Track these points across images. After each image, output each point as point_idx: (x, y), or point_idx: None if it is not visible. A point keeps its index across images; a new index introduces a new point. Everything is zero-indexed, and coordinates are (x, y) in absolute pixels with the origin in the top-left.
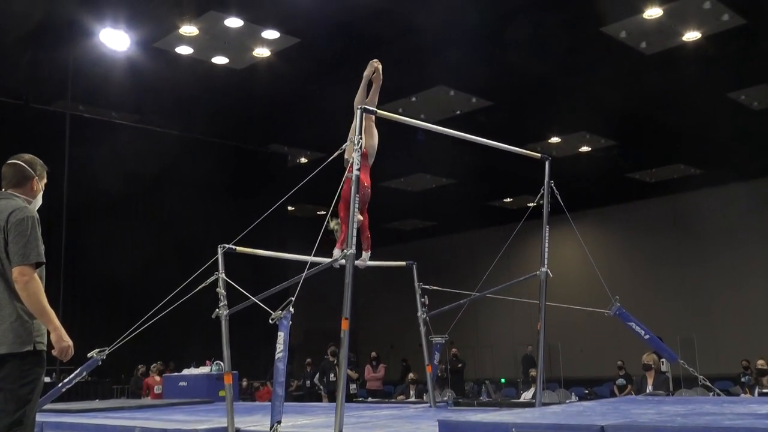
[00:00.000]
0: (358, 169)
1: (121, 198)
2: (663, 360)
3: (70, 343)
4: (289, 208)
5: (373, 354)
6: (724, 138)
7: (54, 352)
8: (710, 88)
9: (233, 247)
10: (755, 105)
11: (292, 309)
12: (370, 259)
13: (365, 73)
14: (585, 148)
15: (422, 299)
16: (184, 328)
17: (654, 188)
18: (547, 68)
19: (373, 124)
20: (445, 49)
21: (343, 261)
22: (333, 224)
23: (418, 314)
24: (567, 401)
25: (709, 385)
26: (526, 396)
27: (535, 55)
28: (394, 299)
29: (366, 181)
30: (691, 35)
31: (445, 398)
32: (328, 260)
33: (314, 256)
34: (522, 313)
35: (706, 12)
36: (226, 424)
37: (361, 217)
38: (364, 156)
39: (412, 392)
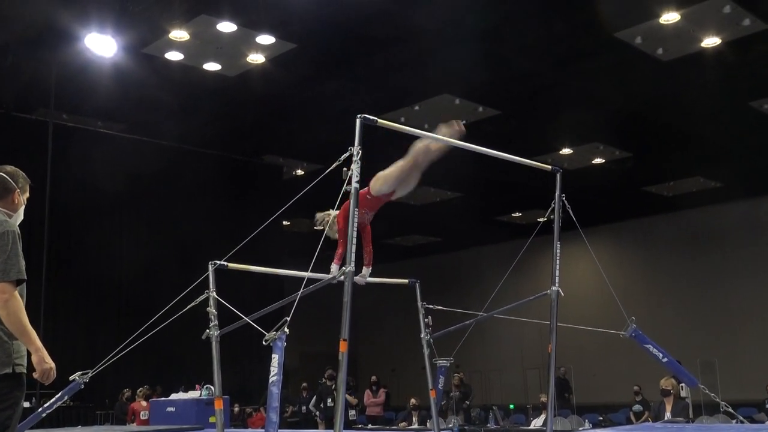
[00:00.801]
0: (357, 182)
1: (107, 211)
2: (682, 385)
3: (52, 365)
4: (285, 222)
5: (374, 378)
6: (746, 149)
7: (35, 375)
8: (731, 96)
9: (225, 263)
10: None
11: (287, 330)
12: (371, 275)
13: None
14: (598, 160)
15: (425, 319)
16: (172, 349)
17: (672, 202)
18: (558, 75)
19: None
20: (449, 55)
21: (342, 278)
22: (319, 218)
23: (421, 335)
24: (580, 429)
25: (732, 411)
26: (537, 423)
27: (545, 61)
28: (395, 320)
29: (372, 206)
30: (711, 41)
31: (450, 425)
32: (325, 276)
33: (311, 272)
34: (532, 334)
35: (725, 17)
36: None
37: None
38: (386, 195)
39: (414, 419)
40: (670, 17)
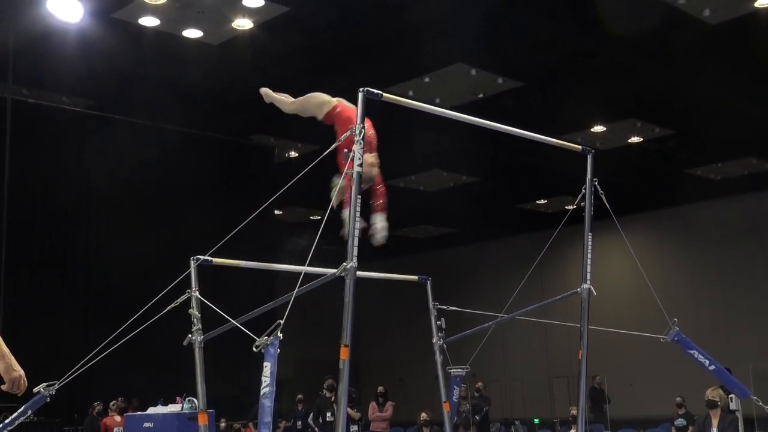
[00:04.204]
0: (360, 165)
1: (73, 198)
2: (731, 396)
3: (22, 372)
4: (277, 211)
5: (380, 389)
6: None
7: (4, 387)
8: None
9: (209, 258)
10: None
11: (280, 334)
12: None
13: None
14: (635, 139)
15: (438, 322)
16: (150, 356)
17: (720, 187)
18: (588, 42)
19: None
20: (464, 19)
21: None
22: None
23: (434, 341)
24: None
25: None
26: None
27: (573, 25)
28: (404, 322)
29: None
30: (765, 1)
31: None
32: (325, 271)
33: (308, 267)
34: (559, 338)
35: None
36: None
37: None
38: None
39: None
40: None
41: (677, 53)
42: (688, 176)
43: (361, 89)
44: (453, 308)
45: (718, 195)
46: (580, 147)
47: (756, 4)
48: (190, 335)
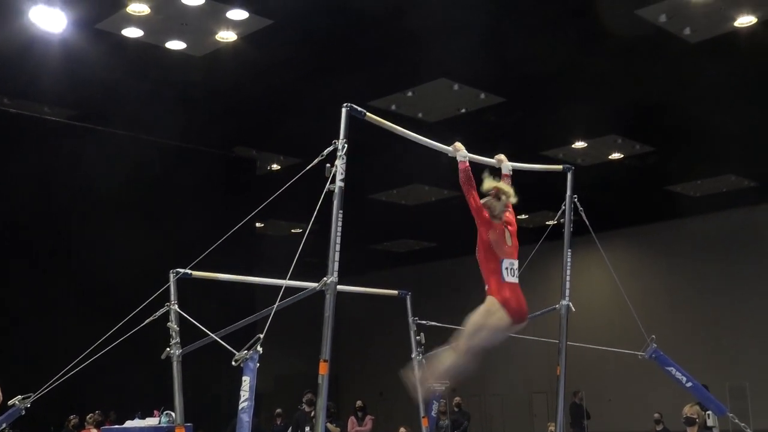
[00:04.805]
0: (342, 180)
1: (53, 209)
2: (709, 412)
3: None
4: (258, 224)
5: (359, 403)
6: None
7: None
8: (766, 83)
9: (189, 271)
10: None
11: (260, 348)
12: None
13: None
14: (616, 155)
15: (417, 337)
16: (127, 369)
17: (699, 203)
18: (571, 58)
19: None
20: (447, 34)
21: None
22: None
23: (413, 355)
24: None
25: None
26: None
27: (556, 41)
28: (384, 336)
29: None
30: (745, 20)
31: None
32: (305, 285)
33: (289, 281)
34: (539, 354)
35: None
36: None
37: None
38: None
39: None
40: None
41: (658, 71)
42: (668, 193)
43: (344, 105)
44: (432, 323)
45: (697, 211)
46: (560, 167)
47: (735, 24)
48: (168, 348)
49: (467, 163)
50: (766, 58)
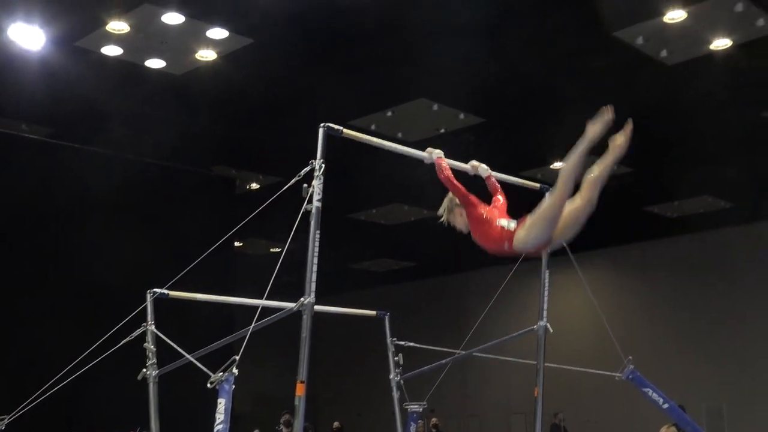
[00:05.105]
0: (319, 200)
1: (29, 229)
2: None
3: None
4: (237, 243)
5: (336, 424)
6: (759, 165)
7: None
8: (742, 106)
9: (166, 291)
10: None
11: (235, 370)
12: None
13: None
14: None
15: (396, 358)
16: (102, 390)
17: (676, 224)
18: (549, 80)
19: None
20: (427, 55)
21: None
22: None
23: (391, 377)
24: None
25: None
26: None
27: (534, 63)
28: (362, 356)
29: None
30: (720, 43)
31: None
32: (283, 305)
33: (267, 301)
34: (518, 374)
35: (737, 16)
36: None
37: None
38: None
39: None
40: (675, 15)
41: (635, 92)
42: (646, 214)
43: (321, 125)
44: (411, 344)
45: (674, 232)
46: (538, 185)
47: (711, 47)
48: (144, 369)
49: (444, 160)
50: (740, 80)
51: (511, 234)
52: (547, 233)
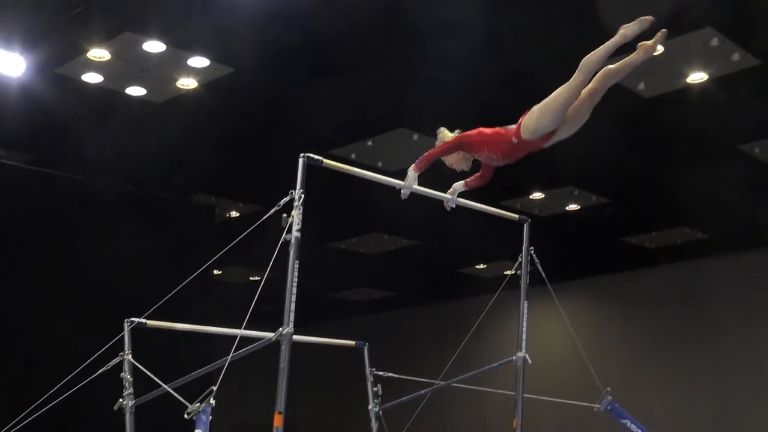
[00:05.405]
0: (298, 230)
1: (6, 254)
2: None
3: None
4: (216, 271)
5: None
6: (735, 197)
7: None
8: (719, 138)
9: (144, 321)
10: None
11: (213, 401)
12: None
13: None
14: (573, 206)
15: (374, 388)
16: (79, 421)
17: (655, 255)
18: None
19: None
20: (406, 85)
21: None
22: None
23: (369, 407)
24: None
25: None
26: None
27: (512, 94)
28: (341, 386)
29: (512, 152)
30: (697, 76)
31: None
32: (262, 335)
33: (245, 330)
34: (497, 404)
35: (713, 50)
36: None
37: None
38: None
39: None
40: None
41: (613, 124)
42: (624, 244)
43: (301, 155)
44: (390, 374)
45: (652, 263)
46: (516, 216)
47: (687, 80)
48: (121, 400)
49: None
50: (717, 113)
51: (516, 128)
52: (556, 121)
